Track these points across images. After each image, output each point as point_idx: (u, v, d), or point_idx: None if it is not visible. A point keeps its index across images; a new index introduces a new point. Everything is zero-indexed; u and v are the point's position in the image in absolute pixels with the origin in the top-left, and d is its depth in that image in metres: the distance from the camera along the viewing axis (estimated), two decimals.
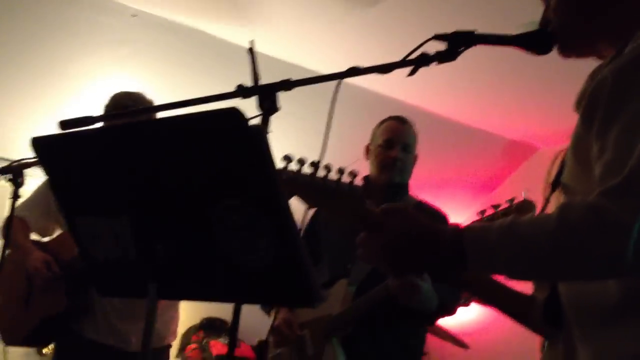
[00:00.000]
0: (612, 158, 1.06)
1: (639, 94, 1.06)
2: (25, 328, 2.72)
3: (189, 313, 4.48)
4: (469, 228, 1.16)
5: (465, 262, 1.13)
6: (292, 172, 1.23)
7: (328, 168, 1.23)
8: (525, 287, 1.44)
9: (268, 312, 2.59)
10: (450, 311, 2.45)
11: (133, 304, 2.67)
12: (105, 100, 2.78)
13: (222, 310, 4.68)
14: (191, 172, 1.09)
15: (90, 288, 2.65)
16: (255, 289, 1.13)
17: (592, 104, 1.13)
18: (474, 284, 1.48)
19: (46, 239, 2.88)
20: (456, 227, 1.17)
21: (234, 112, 0.97)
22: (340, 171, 1.22)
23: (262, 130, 1.12)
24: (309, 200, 1.25)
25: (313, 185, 1.22)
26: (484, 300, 1.52)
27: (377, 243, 1.19)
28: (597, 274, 1.10)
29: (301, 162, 1.22)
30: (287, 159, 1.23)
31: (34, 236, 2.85)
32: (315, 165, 1.22)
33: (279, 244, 1.04)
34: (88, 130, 1.20)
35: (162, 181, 1.13)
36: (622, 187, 1.02)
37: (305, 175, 1.22)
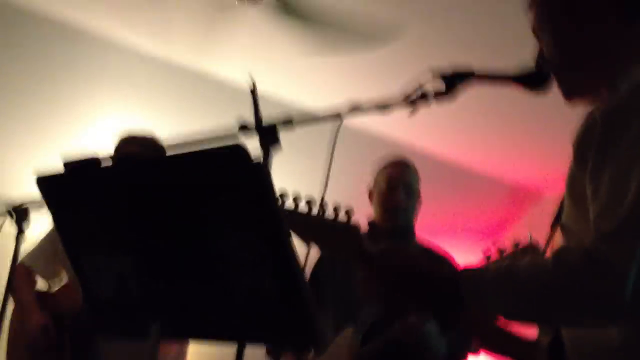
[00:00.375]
0: (606, 202, 1.08)
1: (629, 136, 1.08)
2: None
3: None
4: (466, 268, 1.18)
5: (460, 298, 1.15)
6: (289, 210, 1.23)
7: (323, 206, 1.24)
8: (530, 332, 1.43)
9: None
10: (460, 359, 2.41)
11: (135, 352, 2.64)
12: (109, 138, 2.81)
13: None
14: (195, 209, 1.10)
15: (95, 344, 2.64)
16: (259, 329, 1.13)
17: (583, 146, 1.14)
18: (479, 328, 1.48)
19: (54, 286, 2.87)
20: (454, 269, 1.19)
21: (238, 149, 0.98)
22: (336, 209, 1.23)
23: (265, 166, 1.13)
24: (304, 237, 1.26)
25: (310, 222, 1.22)
26: (489, 345, 1.51)
27: (375, 281, 1.21)
28: (592, 318, 1.11)
29: (296, 199, 1.23)
30: (282, 196, 1.24)
31: (41, 282, 2.84)
32: (310, 202, 1.23)
33: (283, 283, 1.03)
34: (93, 169, 1.21)
35: (166, 218, 1.14)
36: (617, 233, 1.04)
37: (301, 213, 1.23)
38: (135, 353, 2.62)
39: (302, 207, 1.24)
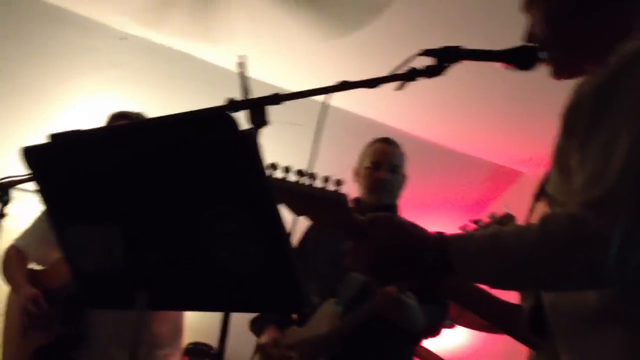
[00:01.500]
0: (592, 171, 1.09)
1: (615, 108, 1.10)
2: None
3: None
4: (454, 237, 1.18)
5: (450, 270, 1.15)
6: (277, 179, 1.23)
7: (313, 176, 1.23)
8: (512, 296, 1.46)
9: (258, 334, 2.58)
10: (436, 331, 2.46)
11: (128, 332, 2.64)
12: (93, 120, 2.79)
13: (207, 335, 4.62)
14: (181, 178, 1.10)
15: (84, 316, 2.66)
16: (245, 296, 1.14)
17: (571, 115, 1.16)
18: (460, 292, 1.49)
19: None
20: (441, 236, 1.18)
21: (226, 116, 0.99)
22: (326, 179, 1.22)
23: (253, 134, 1.13)
24: (294, 208, 1.25)
25: (299, 192, 1.22)
26: (470, 307, 1.53)
27: (363, 251, 1.21)
28: (576, 284, 1.12)
29: (287, 169, 1.23)
30: (273, 166, 1.23)
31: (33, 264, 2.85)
32: (300, 173, 1.22)
33: (269, 249, 1.04)
34: (78, 137, 1.20)
35: (152, 188, 1.14)
36: (602, 200, 1.05)
37: (291, 183, 1.22)
38: (123, 323, 2.64)
39: (291, 177, 1.23)
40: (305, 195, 1.21)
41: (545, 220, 1.10)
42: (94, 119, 2.83)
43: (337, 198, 1.22)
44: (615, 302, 1.12)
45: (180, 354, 2.93)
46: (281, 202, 1.22)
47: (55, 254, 2.82)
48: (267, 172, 1.21)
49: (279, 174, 1.23)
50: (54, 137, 1.34)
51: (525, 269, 1.11)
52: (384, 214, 1.23)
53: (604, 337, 1.12)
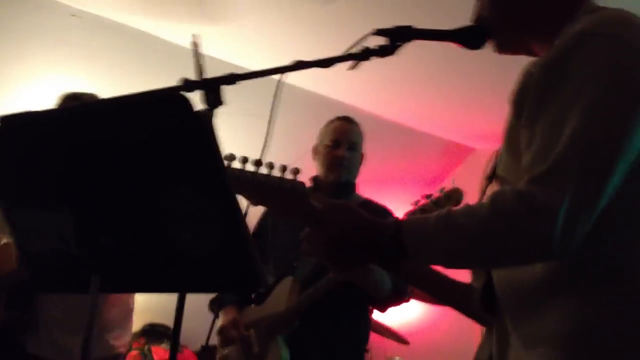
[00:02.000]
0: (539, 146, 1.12)
1: (564, 86, 1.12)
2: None
3: None
4: (407, 221, 1.19)
5: (405, 254, 1.17)
6: (235, 170, 1.23)
7: (271, 166, 1.24)
8: (464, 276, 1.49)
9: (217, 313, 2.59)
10: (403, 296, 2.48)
11: (76, 317, 2.62)
12: (46, 101, 2.73)
13: (163, 316, 4.61)
14: (135, 160, 1.09)
15: (30, 304, 2.61)
16: (201, 276, 1.14)
17: (521, 97, 1.19)
18: (414, 274, 1.52)
19: None
20: (396, 221, 1.20)
21: (180, 97, 0.98)
22: (283, 168, 1.23)
23: (208, 115, 1.12)
24: (251, 198, 1.26)
25: (256, 182, 1.22)
26: (425, 289, 1.56)
27: (321, 238, 1.23)
28: (527, 258, 1.15)
29: (244, 160, 1.23)
30: (230, 157, 1.23)
31: None
32: (258, 163, 1.22)
33: (225, 230, 1.05)
34: (28, 119, 1.18)
35: (106, 170, 1.13)
36: (549, 174, 1.08)
37: (248, 173, 1.22)
38: (72, 308, 2.62)
39: (249, 167, 1.24)
40: (264, 186, 1.22)
41: (494, 197, 1.12)
42: (45, 99, 2.76)
43: (295, 187, 1.23)
44: (560, 275, 1.15)
45: (130, 336, 2.91)
46: (239, 192, 1.23)
47: (3, 238, 2.78)
48: (225, 163, 1.22)
49: (236, 165, 1.23)
50: (2, 119, 1.31)
51: (478, 247, 1.13)
52: (341, 202, 1.25)
53: (551, 310, 1.15)
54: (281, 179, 1.23)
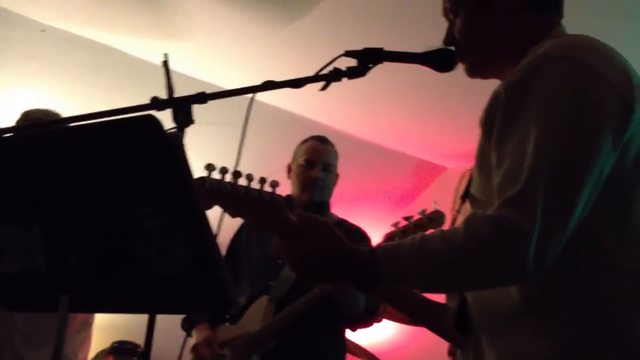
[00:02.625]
0: (508, 168, 1.13)
1: (530, 106, 1.14)
2: None
3: (98, 337, 4.30)
4: (381, 247, 1.20)
5: (379, 279, 1.18)
6: (214, 180, 1.22)
7: (250, 177, 1.23)
8: (439, 296, 1.50)
9: (189, 332, 2.56)
10: (375, 315, 2.48)
11: (40, 328, 2.57)
12: (14, 116, 2.69)
13: (133, 333, 4.54)
14: (105, 180, 1.08)
15: None
16: (171, 297, 1.13)
17: (488, 118, 1.21)
18: (388, 293, 1.53)
19: None
20: (370, 249, 1.21)
21: (150, 120, 0.98)
22: (262, 180, 1.23)
23: (178, 137, 1.12)
24: (230, 210, 1.25)
25: (235, 194, 1.22)
26: (398, 308, 1.56)
27: (296, 250, 1.23)
28: (501, 281, 1.16)
29: (223, 171, 1.23)
30: (210, 167, 1.22)
31: None
32: (237, 174, 1.22)
33: (195, 251, 1.04)
34: None
35: (76, 190, 1.12)
36: (519, 197, 1.09)
37: (227, 184, 1.22)
38: (36, 321, 2.57)
39: (227, 179, 1.23)
40: (242, 197, 1.21)
41: (467, 222, 1.13)
42: (10, 114, 2.72)
43: (273, 200, 1.23)
44: (536, 296, 1.16)
45: (88, 350, 2.86)
46: (217, 203, 1.22)
47: None
48: (204, 173, 1.21)
49: (215, 175, 1.22)
50: None
51: (453, 272, 1.14)
52: (321, 220, 1.25)
53: (527, 330, 1.17)
54: (260, 191, 1.23)
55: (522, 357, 1.17)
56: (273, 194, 1.23)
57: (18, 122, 2.65)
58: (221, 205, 1.24)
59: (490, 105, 1.21)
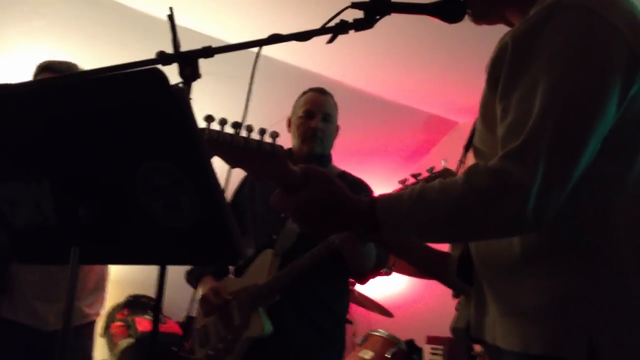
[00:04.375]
0: (512, 121, 1.12)
1: (537, 58, 1.13)
2: None
3: (113, 290, 4.39)
4: (381, 197, 1.20)
5: (378, 229, 1.19)
6: (213, 131, 1.22)
7: (250, 129, 1.23)
8: (444, 246, 1.51)
9: (195, 285, 2.60)
10: (384, 266, 2.49)
11: (52, 284, 2.62)
12: (21, 73, 2.69)
13: (146, 287, 4.63)
14: (112, 134, 1.09)
15: (6, 268, 2.60)
16: (179, 249, 1.15)
17: (495, 69, 1.19)
18: (393, 243, 1.54)
19: None
20: (370, 199, 1.21)
21: (155, 72, 0.98)
22: (262, 131, 1.22)
23: (184, 90, 1.12)
24: (230, 161, 1.25)
25: (234, 145, 1.21)
26: (404, 258, 1.57)
27: (297, 200, 1.23)
28: (501, 233, 1.17)
29: (223, 122, 1.22)
30: (209, 119, 1.22)
31: None
32: (237, 125, 1.22)
33: (203, 203, 1.05)
34: (2, 92, 1.17)
35: (84, 144, 1.12)
36: (521, 150, 1.09)
37: (226, 135, 1.21)
38: (48, 276, 2.61)
39: (228, 130, 1.23)
40: (242, 148, 1.21)
41: (468, 174, 1.13)
42: (20, 71, 2.72)
43: (273, 150, 1.22)
44: (536, 247, 1.17)
45: (102, 304, 2.91)
46: (217, 154, 1.22)
47: None
48: (203, 124, 1.21)
49: (215, 127, 1.22)
50: None
51: (452, 223, 1.14)
52: (322, 170, 1.25)
53: (527, 280, 1.18)
54: (260, 141, 1.22)
55: (522, 306, 1.18)
56: (273, 144, 1.23)
57: (37, 71, 2.66)
58: (220, 156, 1.23)
59: (497, 57, 1.19)
